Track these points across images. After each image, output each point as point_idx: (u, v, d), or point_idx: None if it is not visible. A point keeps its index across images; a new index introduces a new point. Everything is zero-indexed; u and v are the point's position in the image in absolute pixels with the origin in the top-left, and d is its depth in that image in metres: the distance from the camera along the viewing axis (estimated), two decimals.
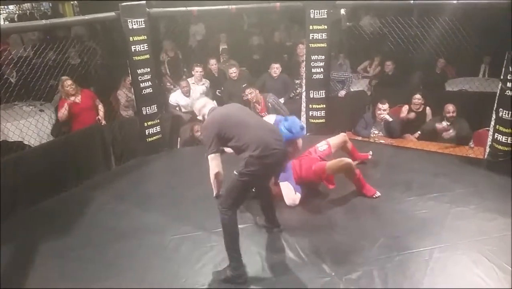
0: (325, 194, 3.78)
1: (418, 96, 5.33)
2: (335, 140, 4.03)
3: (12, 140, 4.83)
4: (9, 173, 3.71)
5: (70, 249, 3.19)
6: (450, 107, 4.87)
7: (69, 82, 4.88)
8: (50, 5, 13.37)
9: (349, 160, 3.66)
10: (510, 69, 4.01)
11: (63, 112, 4.90)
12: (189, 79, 6.02)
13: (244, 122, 2.86)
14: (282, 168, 3.17)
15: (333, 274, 2.78)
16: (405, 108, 5.39)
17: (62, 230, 3.42)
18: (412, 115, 5.28)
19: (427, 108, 5.34)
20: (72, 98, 4.91)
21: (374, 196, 3.66)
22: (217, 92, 6.34)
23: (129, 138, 4.89)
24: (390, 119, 5.10)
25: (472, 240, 3.03)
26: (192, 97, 5.78)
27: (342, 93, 5.93)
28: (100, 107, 5.16)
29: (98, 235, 3.36)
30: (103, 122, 5.04)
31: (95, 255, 3.11)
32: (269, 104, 5.27)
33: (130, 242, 3.23)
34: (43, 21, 4.22)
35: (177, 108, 5.89)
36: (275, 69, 5.96)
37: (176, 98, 5.89)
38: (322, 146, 3.90)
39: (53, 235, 3.35)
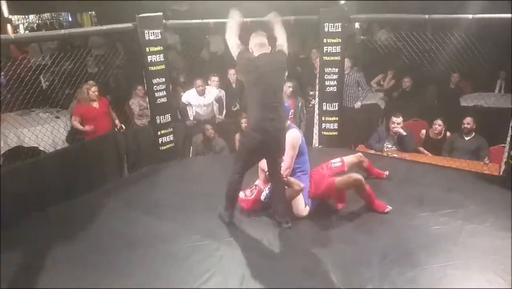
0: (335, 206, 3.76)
1: (439, 122, 5.22)
2: (350, 158, 3.99)
3: (27, 146, 4.92)
4: (23, 178, 3.78)
5: (79, 255, 3.20)
6: (468, 119, 4.84)
7: (94, 88, 5.10)
8: (70, 16, 13.71)
9: (359, 176, 3.59)
10: None
11: (76, 122, 5.09)
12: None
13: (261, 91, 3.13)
14: (279, 151, 3.29)
15: (342, 287, 2.74)
16: (423, 133, 5.34)
17: (72, 235, 3.44)
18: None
19: (448, 132, 5.27)
20: (91, 103, 5.01)
21: (385, 211, 3.62)
22: (232, 108, 6.31)
23: (143, 146, 4.95)
24: (404, 133, 5.06)
25: (486, 259, 2.96)
26: (207, 97, 5.82)
27: (358, 104, 5.91)
28: (115, 115, 5.25)
29: (108, 241, 3.37)
30: (123, 126, 5.24)
31: (103, 261, 3.11)
32: None
33: (139, 249, 3.24)
34: (62, 31, 4.32)
35: (188, 107, 5.89)
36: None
37: (188, 97, 5.84)
38: (335, 162, 3.87)
39: (62, 240, 3.37)
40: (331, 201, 3.75)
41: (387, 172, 4.32)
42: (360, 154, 4.11)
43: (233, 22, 3.34)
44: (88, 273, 2.99)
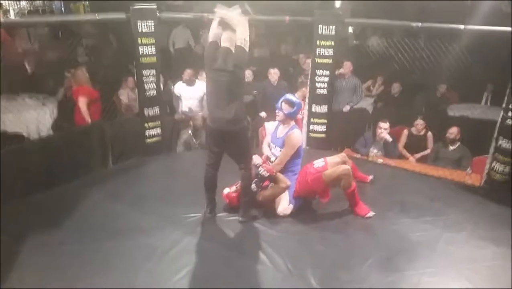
0: (317, 208, 3.78)
1: (420, 121, 5.33)
2: (333, 158, 3.99)
3: (11, 132, 4.85)
4: (5, 164, 3.71)
5: (59, 243, 3.17)
6: (453, 129, 4.91)
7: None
8: (62, 4, 13.50)
9: (346, 166, 3.65)
10: None
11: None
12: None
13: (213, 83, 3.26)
14: (235, 144, 3.35)
15: None
16: (405, 133, 5.41)
17: (54, 224, 3.41)
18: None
19: (429, 133, 5.35)
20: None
21: (367, 216, 3.65)
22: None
23: (129, 138, 4.90)
24: (390, 139, 5.11)
25: (462, 267, 3.01)
26: (196, 89, 5.80)
27: (347, 108, 5.95)
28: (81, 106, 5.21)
29: (90, 232, 3.34)
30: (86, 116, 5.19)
31: (84, 252, 3.09)
32: None
33: (120, 241, 3.22)
34: (54, 17, 4.26)
35: (178, 100, 5.89)
36: (273, 74, 5.92)
37: (178, 88, 5.85)
38: (318, 162, 3.88)
39: (43, 229, 3.34)
40: (314, 200, 3.80)
41: (371, 176, 4.35)
42: (343, 154, 4.11)
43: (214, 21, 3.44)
44: (67, 262, 2.97)
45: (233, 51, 3.24)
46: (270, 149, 3.84)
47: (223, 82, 3.22)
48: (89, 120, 5.04)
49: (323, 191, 3.62)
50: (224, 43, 3.29)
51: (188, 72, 5.77)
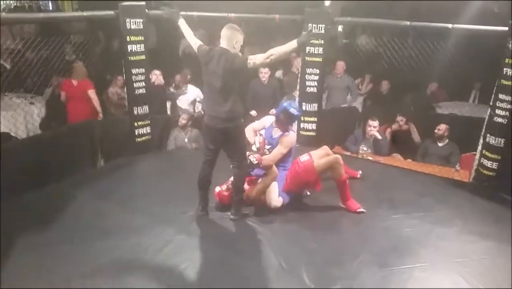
0: (309, 205, 3.81)
1: (400, 117, 5.50)
2: (317, 152, 4.01)
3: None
4: None
5: (48, 244, 3.13)
6: (442, 125, 4.98)
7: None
8: (50, 1, 13.33)
9: (337, 155, 3.73)
10: (500, 96, 4.08)
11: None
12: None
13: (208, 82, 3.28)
14: (228, 142, 3.35)
15: (312, 286, 2.77)
16: (388, 132, 5.47)
17: (42, 225, 3.36)
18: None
19: (411, 124, 5.47)
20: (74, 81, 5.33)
21: (358, 211, 3.67)
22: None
23: (118, 137, 4.86)
24: (379, 137, 5.14)
25: (452, 262, 3.04)
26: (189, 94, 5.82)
27: (349, 98, 6.01)
28: (94, 97, 5.43)
29: (79, 232, 3.30)
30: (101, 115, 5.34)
31: (73, 252, 3.05)
32: None
33: (110, 241, 3.18)
34: (41, 14, 4.21)
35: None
36: (264, 73, 5.93)
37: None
38: (303, 157, 3.90)
39: (31, 229, 3.29)
40: (305, 197, 3.82)
41: (360, 172, 4.38)
42: (326, 146, 4.09)
43: (184, 26, 3.63)
44: (57, 263, 2.93)
45: (229, 54, 3.22)
46: (265, 146, 3.82)
47: (217, 82, 3.21)
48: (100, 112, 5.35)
49: (315, 181, 3.67)
50: (223, 43, 3.27)
51: (177, 79, 5.78)
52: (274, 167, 3.64)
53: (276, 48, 3.21)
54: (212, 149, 3.42)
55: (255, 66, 3.25)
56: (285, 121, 3.75)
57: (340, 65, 6.06)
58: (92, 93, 5.45)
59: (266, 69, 5.91)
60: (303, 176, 3.64)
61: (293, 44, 3.25)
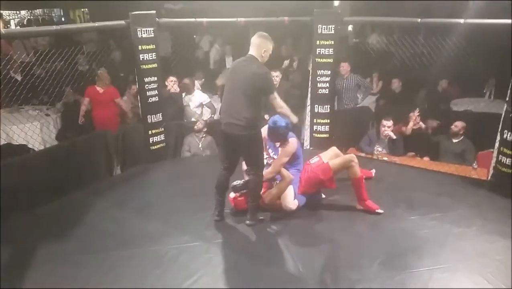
0: (325, 208, 3.78)
1: (415, 112, 5.31)
2: (326, 153, 4.00)
3: (16, 143, 4.87)
4: (12, 176, 3.73)
5: (66, 254, 3.17)
6: (458, 123, 4.89)
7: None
8: (62, 12, 13.60)
9: (351, 154, 3.77)
10: None
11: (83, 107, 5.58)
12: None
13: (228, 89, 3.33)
14: (241, 149, 3.36)
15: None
16: (403, 130, 5.38)
17: (60, 235, 3.41)
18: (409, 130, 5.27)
19: (421, 124, 5.34)
20: (99, 88, 5.52)
21: (376, 211, 3.64)
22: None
23: (133, 145, 4.91)
24: (394, 137, 5.09)
25: (473, 262, 2.99)
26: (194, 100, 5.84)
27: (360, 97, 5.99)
28: (122, 103, 5.66)
29: (96, 241, 3.34)
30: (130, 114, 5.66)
31: (91, 261, 3.08)
32: None
33: (127, 249, 3.21)
34: (53, 27, 4.28)
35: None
36: (275, 77, 5.92)
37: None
38: (313, 159, 3.89)
39: (50, 239, 3.34)
40: (321, 201, 3.81)
41: (373, 170, 4.35)
42: (334, 147, 4.09)
43: None
44: (76, 272, 2.97)
45: (252, 64, 3.25)
46: (269, 155, 3.82)
47: (234, 90, 3.27)
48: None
49: (329, 180, 3.67)
50: (252, 50, 3.33)
51: (185, 82, 5.79)
52: (287, 173, 3.62)
53: (284, 109, 3.35)
54: (229, 156, 3.44)
55: (270, 100, 3.27)
56: (279, 137, 3.67)
57: (344, 66, 6.02)
58: (119, 101, 5.67)
59: (278, 72, 5.91)
60: (318, 176, 3.64)
61: (294, 119, 3.42)
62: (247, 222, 3.50)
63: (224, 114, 3.38)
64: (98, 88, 5.54)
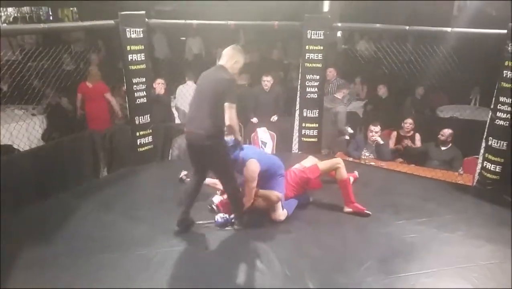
0: (312, 212, 3.79)
1: (409, 120, 5.42)
2: (306, 162, 4.00)
3: (1, 144, 4.77)
4: None
5: (51, 257, 3.11)
6: (445, 131, 4.97)
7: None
8: (50, 10, 13.43)
9: (339, 158, 3.93)
10: (501, 99, 4.08)
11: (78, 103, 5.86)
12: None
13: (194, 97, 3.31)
14: (205, 159, 3.28)
15: None
16: (394, 135, 5.46)
17: (45, 237, 3.35)
18: (401, 146, 5.36)
19: (417, 134, 5.42)
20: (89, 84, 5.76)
21: (365, 212, 3.67)
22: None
23: (120, 146, 4.86)
24: (381, 142, 5.14)
25: (459, 267, 3.02)
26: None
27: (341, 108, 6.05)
28: (112, 99, 5.83)
29: (81, 244, 3.28)
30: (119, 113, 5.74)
31: (76, 265, 3.03)
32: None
33: (113, 253, 3.17)
34: (41, 25, 4.22)
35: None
36: (266, 82, 5.95)
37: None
38: (296, 166, 3.94)
39: (34, 242, 3.27)
40: (308, 205, 3.82)
41: (356, 172, 4.42)
42: (311, 156, 4.16)
43: None
44: (59, 276, 2.91)
45: (217, 73, 3.24)
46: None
47: (198, 100, 3.25)
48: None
49: (317, 179, 3.78)
50: (221, 61, 3.31)
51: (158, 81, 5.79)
52: (273, 192, 3.53)
53: (234, 123, 3.17)
54: (194, 165, 3.37)
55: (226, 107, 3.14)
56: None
57: (331, 71, 6.13)
58: (109, 95, 5.85)
59: (269, 77, 5.95)
60: (306, 175, 3.74)
61: (238, 136, 3.36)
62: (234, 226, 3.48)
63: (188, 122, 3.32)
64: (88, 84, 5.82)
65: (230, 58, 3.28)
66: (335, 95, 5.97)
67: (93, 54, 7.14)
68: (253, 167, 3.43)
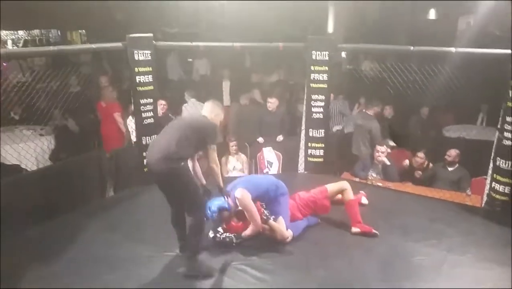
0: (320, 233, 3.76)
1: (421, 154, 5.30)
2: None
3: (9, 164, 4.82)
4: (3, 196, 3.67)
5: (56, 277, 3.11)
6: (451, 151, 4.94)
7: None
8: (59, 33, 13.72)
9: (345, 182, 3.98)
10: (507, 119, 4.06)
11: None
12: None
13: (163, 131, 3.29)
14: (164, 185, 3.20)
15: None
16: (406, 162, 5.40)
17: (50, 257, 3.35)
18: (407, 162, 5.33)
19: (430, 165, 5.35)
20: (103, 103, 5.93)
21: (373, 232, 3.64)
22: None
23: (126, 167, 4.87)
24: (388, 163, 5.12)
25: None
26: None
27: (336, 128, 6.06)
28: (119, 120, 5.88)
29: (87, 264, 3.28)
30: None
31: (81, 285, 3.02)
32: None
33: (119, 273, 3.16)
34: (51, 47, 4.30)
35: None
36: (270, 103, 6.01)
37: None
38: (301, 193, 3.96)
39: (40, 261, 3.28)
40: (316, 225, 3.78)
41: (362, 192, 4.39)
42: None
43: None
44: None
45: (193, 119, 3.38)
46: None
47: (172, 129, 3.22)
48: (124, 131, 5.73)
49: (325, 199, 3.81)
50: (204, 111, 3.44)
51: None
52: (281, 230, 3.51)
53: (217, 167, 3.30)
54: (165, 196, 3.30)
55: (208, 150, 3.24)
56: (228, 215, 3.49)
57: None
58: (117, 116, 5.92)
59: (274, 99, 6.01)
60: (315, 196, 3.80)
61: (221, 182, 3.38)
62: (183, 270, 3.19)
63: (148, 151, 3.22)
64: (102, 103, 6.00)
65: (210, 111, 3.39)
66: (367, 112, 5.97)
67: (102, 76, 7.20)
68: (240, 195, 3.37)
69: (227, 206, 3.43)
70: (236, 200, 3.41)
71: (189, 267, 3.14)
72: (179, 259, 3.31)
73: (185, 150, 3.14)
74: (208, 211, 3.37)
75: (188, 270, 3.13)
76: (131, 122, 5.67)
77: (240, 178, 3.78)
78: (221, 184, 3.41)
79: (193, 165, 3.51)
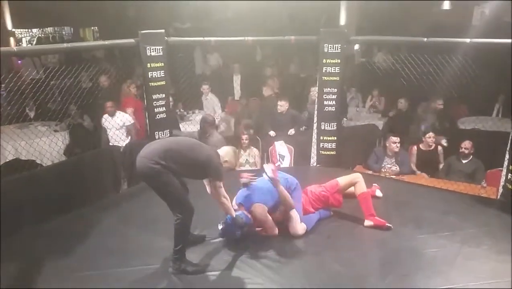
0: (332, 226, 3.74)
1: (431, 133, 5.31)
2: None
3: (24, 159, 4.90)
4: (19, 191, 3.75)
5: (71, 270, 3.16)
6: (466, 143, 4.88)
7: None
8: (72, 30, 13.87)
9: (358, 174, 3.92)
10: None
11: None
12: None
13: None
14: (151, 185, 3.15)
15: None
16: (414, 149, 5.37)
17: (66, 251, 3.40)
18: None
19: (439, 147, 5.32)
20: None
21: (386, 225, 3.61)
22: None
23: None
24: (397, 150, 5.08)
25: (484, 283, 2.93)
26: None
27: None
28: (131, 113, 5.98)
29: (102, 257, 3.32)
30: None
31: (96, 278, 3.06)
32: None
33: (133, 266, 3.19)
34: (64, 44, 4.36)
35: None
36: (279, 106, 6.04)
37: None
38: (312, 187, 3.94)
39: (56, 255, 3.33)
40: (327, 219, 3.78)
41: (375, 184, 4.35)
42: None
43: None
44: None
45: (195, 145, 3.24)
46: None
47: (163, 146, 3.14)
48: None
49: (337, 193, 3.80)
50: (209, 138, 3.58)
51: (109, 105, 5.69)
52: (298, 222, 3.54)
53: (227, 202, 3.27)
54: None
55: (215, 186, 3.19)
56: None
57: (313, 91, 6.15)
58: (129, 111, 6.02)
59: (283, 102, 6.04)
60: (327, 190, 3.78)
61: (233, 213, 3.33)
62: (170, 269, 3.14)
63: (141, 152, 3.16)
64: (123, 99, 6.32)
65: (226, 154, 3.30)
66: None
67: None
68: (259, 211, 3.43)
69: (246, 220, 3.39)
70: (254, 214, 3.43)
71: (174, 267, 3.11)
72: (194, 251, 3.33)
73: (173, 164, 3.06)
74: (235, 233, 3.40)
75: (174, 270, 3.11)
76: (105, 122, 5.62)
77: (252, 185, 3.58)
78: (234, 215, 3.35)
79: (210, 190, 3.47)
